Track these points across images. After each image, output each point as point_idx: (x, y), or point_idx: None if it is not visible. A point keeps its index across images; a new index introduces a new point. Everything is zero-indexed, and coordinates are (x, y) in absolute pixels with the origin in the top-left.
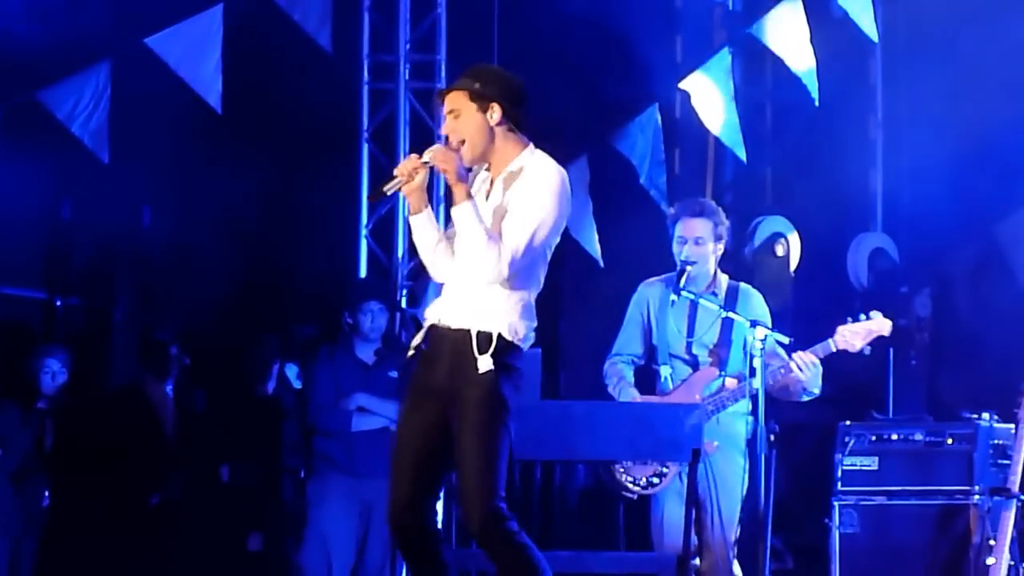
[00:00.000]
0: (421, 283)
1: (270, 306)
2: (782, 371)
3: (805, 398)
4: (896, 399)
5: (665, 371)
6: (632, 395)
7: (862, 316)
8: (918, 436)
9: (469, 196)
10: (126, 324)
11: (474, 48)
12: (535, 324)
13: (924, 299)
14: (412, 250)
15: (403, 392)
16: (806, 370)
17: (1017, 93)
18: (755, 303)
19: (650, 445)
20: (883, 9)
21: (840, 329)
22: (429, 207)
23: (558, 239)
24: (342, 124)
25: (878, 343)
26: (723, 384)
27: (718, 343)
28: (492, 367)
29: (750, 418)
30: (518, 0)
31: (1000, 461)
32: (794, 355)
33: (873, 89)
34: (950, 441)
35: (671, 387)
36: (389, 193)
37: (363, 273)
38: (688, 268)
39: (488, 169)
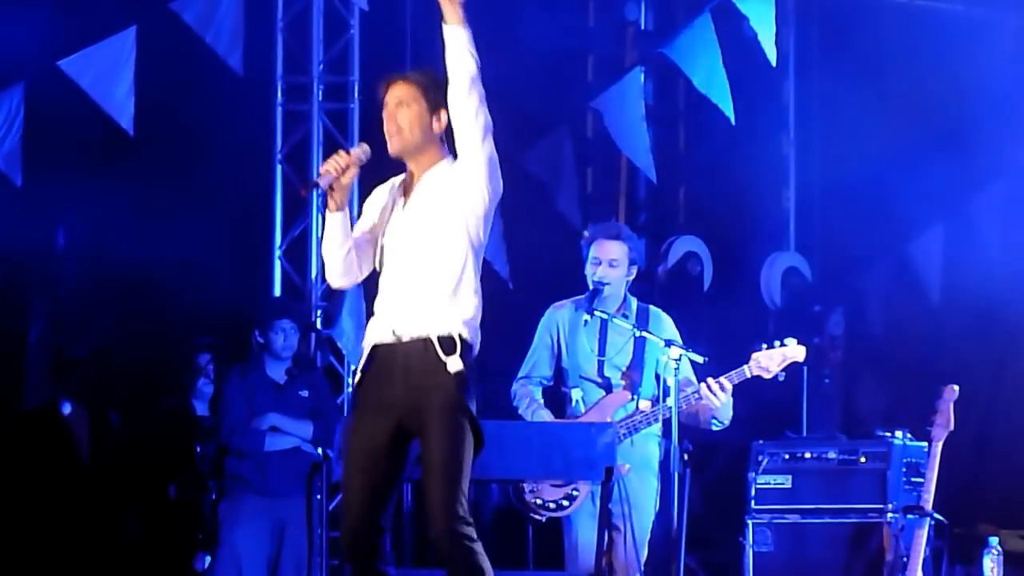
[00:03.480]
0: (335, 304)
1: (184, 328)
2: (695, 396)
3: (715, 427)
4: (810, 418)
5: (576, 394)
6: (544, 416)
7: (776, 342)
8: (831, 455)
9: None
10: (40, 346)
11: (387, 69)
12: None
13: (837, 318)
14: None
15: (349, 419)
16: (718, 396)
17: (929, 112)
18: (666, 325)
19: (562, 464)
20: (796, 28)
21: (755, 355)
22: (347, 208)
23: (488, 228)
24: (255, 145)
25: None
26: (636, 407)
27: (630, 365)
28: (462, 367)
29: (661, 439)
30: (431, 20)
31: (913, 479)
32: (707, 380)
33: (785, 108)
34: (863, 459)
35: (583, 410)
36: (322, 187)
37: (277, 293)
38: (602, 289)
39: (406, 173)
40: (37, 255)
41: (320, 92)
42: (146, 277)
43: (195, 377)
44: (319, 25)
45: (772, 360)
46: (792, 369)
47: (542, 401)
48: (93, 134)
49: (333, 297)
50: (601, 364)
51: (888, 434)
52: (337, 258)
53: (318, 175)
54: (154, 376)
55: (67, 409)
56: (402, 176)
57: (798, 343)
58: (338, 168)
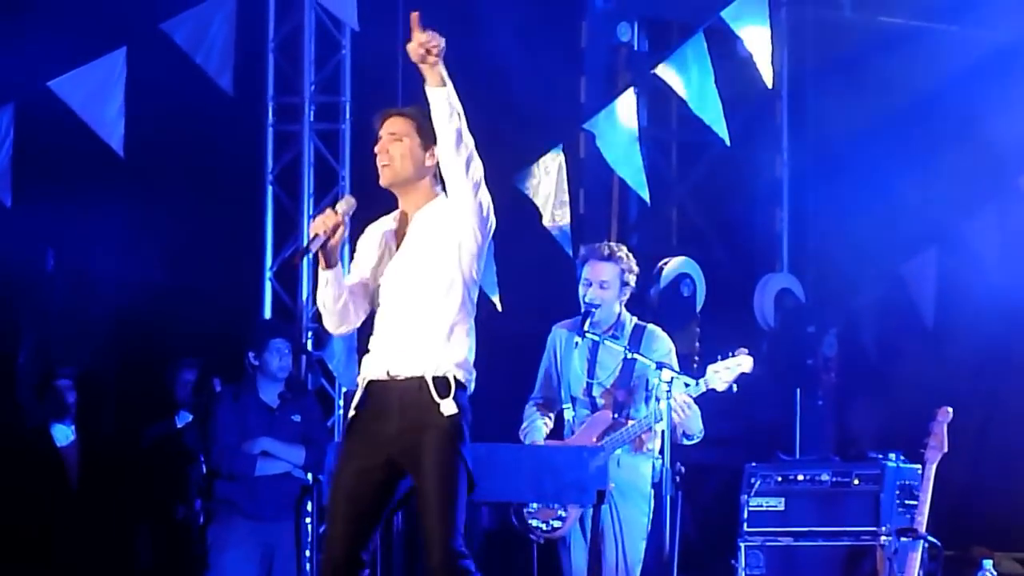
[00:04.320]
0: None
1: (175, 349)
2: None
3: (685, 442)
4: (803, 440)
5: (568, 413)
6: (535, 438)
7: (730, 354)
8: (825, 477)
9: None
10: (29, 367)
11: (379, 89)
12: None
13: (831, 339)
14: (317, 293)
15: (340, 449)
16: (680, 411)
17: (922, 134)
18: (660, 344)
19: (554, 488)
20: (790, 50)
21: (708, 368)
22: (340, 264)
23: (482, 264)
24: (246, 166)
25: (783, 383)
26: (614, 426)
27: (615, 385)
28: (456, 410)
29: (656, 461)
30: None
31: (907, 502)
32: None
33: (779, 129)
34: (857, 482)
35: (574, 430)
36: (313, 251)
37: (268, 315)
38: (593, 311)
39: (398, 212)
40: (27, 276)
41: (311, 113)
42: (136, 299)
43: (181, 393)
44: (310, 45)
45: (727, 370)
46: (785, 390)
47: (541, 426)
48: (83, 155)
49: None
50: (590, 385)
51: (881, 456)
52: (334, 310)
53: (309, 240)
54: (145, 398)
55: (57, 430)
56: (395, 214)
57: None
58: (327, 229)
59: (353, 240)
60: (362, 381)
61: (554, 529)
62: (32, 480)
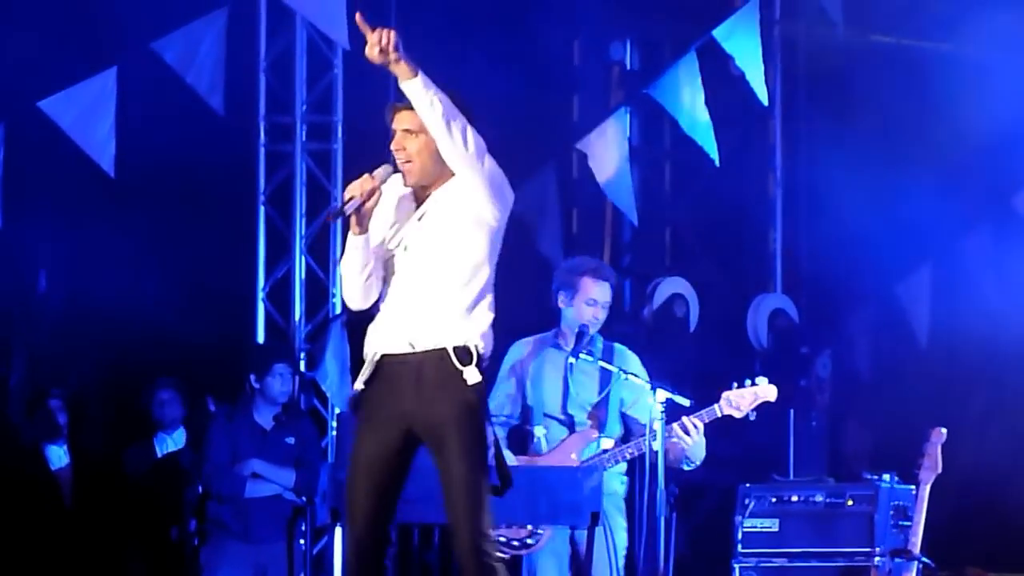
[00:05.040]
0: (319, 346)
1: (167, 370)
2: (666, 435)
3: (686, 467)
4: (797, 460)
5: (539, 431)
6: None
7: (748, 381)
8: (819, 498)
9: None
10: (21, 388)
11: (371, 108)
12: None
13: (824, 360)
14: (309, 313)
15: (355, 426)
16: (692, 435)
17: (915, 153)
18: (632, 362)
19: (548, 508)
20: (782, 69)
21: (725, 394)
22: (370, 231)
23: (500, 241)
24: (238, 186)
25: (776, 404)
26: (599, 445)
27: (598, 404)
28: (480, 378)
29: (624, 477)
30: (414, 60)
31: (901, 523)
32: (681, 420)
33: (772, 149)
34: (851, 502)
35: (545, 448)
36: (348, 213)
37: (261, 336)
38: (587, 331)
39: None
40: (18, 297)
41: (303, 132)
42: (129, 320)
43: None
44: (302, 65)
45: (743, 399)
46: (778, 411)
47: (505, 442)
48: (74, 175)
49: (317, 339)
50: (565, 404)
51: (875, 477)
52: (358, 281)
53: (343, 201)
54: (136, 418)
55: (51, 452)
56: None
57: (770, 383)
58: (363, 192)
59: None
60: (372, 355)
61: (527, 547)
62: (25, 501)
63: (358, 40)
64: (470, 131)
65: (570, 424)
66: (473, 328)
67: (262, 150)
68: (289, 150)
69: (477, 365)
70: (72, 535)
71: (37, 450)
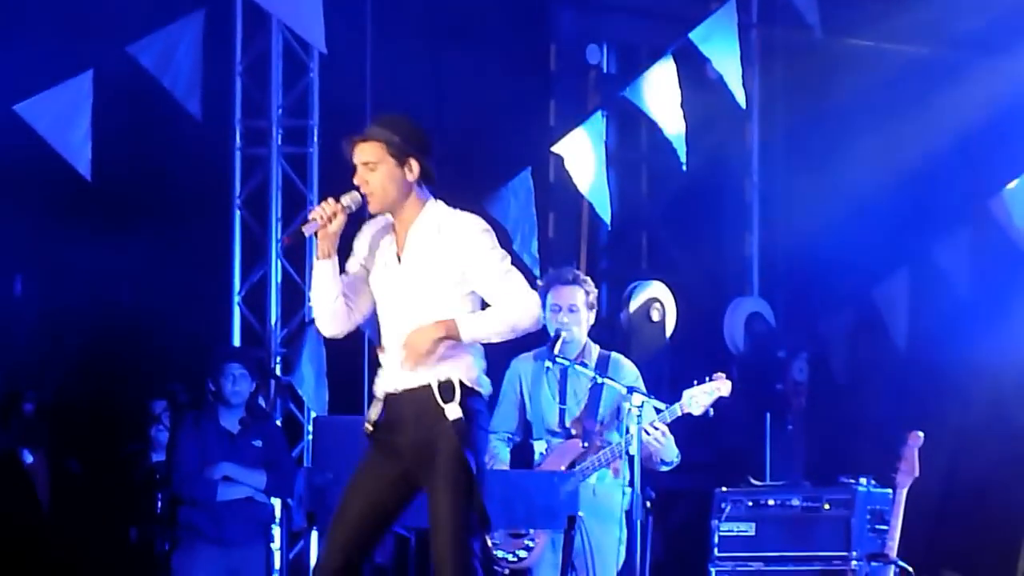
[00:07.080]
0: (295, 350)
1: (142, 375)
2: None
3: (664, 468)
4: (773, 464)
5: (540, 446)
6: (502, 459)
7: (707, 378)
8: (795, 501)
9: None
10: None
11: (347, 113)
12: (485, 366)
13: (801, 363)
14: (286, 317)
15: (361, 459)
16: (659, 438)
17: (892, 157)
18: (627, 372)
19: (525, 513)
20: (760, 72)
21: (685, 393)
22: (335, 256)
23: None
24: (214, 190)
25: (753, 408)
26: (585, 453)
27: (583, 414)
28: (461, 415)
29: (627, 488)
30: (391, 64)
31: (878, 526)
32: (643, 428)
33: (749, 152)
34: (827, 507)
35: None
36: (307, 235)
37: (237, 340)
38: (563, 335)
39: (392, 222)
40: None
41: (279, 136)
42: (104, 323)
43: (150, 424)
44: (278, 69)
45: (703, 394)
46: (755, 415)
47: (507, 458)
48: (50, 179)
49: (292, 343)
50: (562, 413)
51: (852, 481)
52: (327, 307)
53: (305, 222)
54: (113, 423)
55: (27, 457)
56: (387, 224)
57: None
58: (324, 217)
59: (348, 239)
60: (379, 395)
61: (520, 560)
62: (2, 505)
63: (334, 44)
64: (519, 311)
65: (567, 436)
66: (458, 362)
67: (238, 154)
68: (265, 154)
69: (464, 397)
70: (48, 538)
71: (14, 454)
